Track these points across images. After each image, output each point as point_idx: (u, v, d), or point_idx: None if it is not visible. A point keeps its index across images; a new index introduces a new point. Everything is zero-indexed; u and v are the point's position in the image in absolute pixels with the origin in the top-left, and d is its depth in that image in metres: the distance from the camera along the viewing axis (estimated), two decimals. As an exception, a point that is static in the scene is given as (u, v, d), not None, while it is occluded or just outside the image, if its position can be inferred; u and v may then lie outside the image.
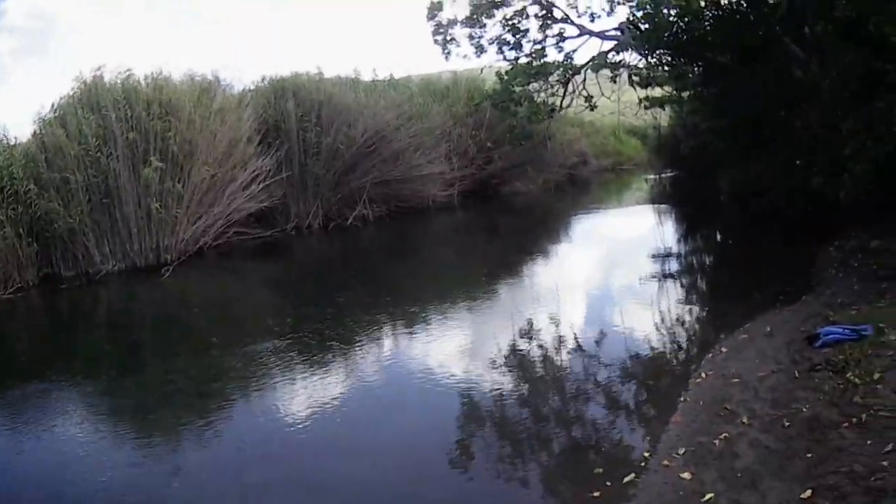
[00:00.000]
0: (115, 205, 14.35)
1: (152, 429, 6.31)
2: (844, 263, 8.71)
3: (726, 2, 12.29)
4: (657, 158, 26.41)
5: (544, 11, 14.59)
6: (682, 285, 10.56)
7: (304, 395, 6.72)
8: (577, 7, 14.78)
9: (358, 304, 10.43)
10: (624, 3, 13.84)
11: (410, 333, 8.68)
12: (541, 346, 7.86)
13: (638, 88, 17.70)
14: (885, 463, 3.78)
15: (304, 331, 8.93)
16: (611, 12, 17.40)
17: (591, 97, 15.45)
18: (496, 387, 6.51)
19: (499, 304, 10.06)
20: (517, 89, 14.21)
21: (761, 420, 4.92)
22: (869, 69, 8.21)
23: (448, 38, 15.30)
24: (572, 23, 14.61)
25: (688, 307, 9.20)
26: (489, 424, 5.84)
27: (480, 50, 15.29)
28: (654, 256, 12.21)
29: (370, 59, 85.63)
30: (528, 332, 8.34)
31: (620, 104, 21.38)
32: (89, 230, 14.20)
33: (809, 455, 4.21)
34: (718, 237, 14.78)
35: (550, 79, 14.69)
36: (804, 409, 4.83)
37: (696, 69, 15.14)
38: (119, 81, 15.27)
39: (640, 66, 15.62)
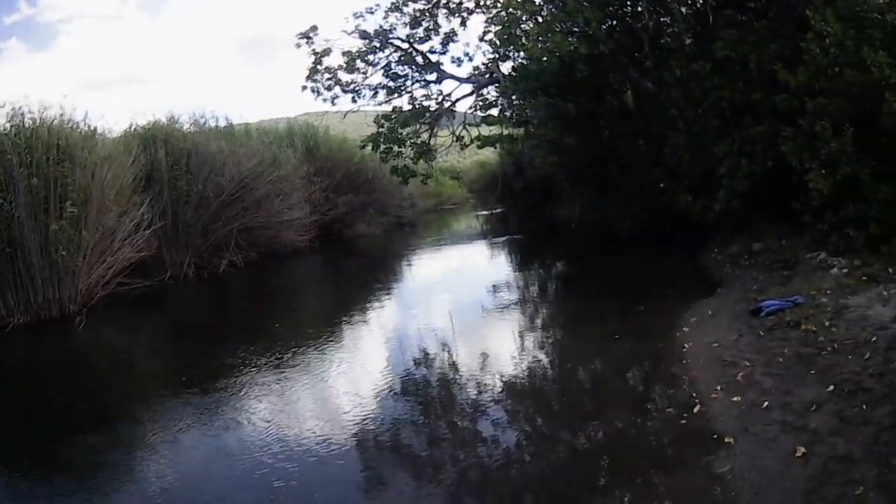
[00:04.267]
0: (17, 255, 14.30)
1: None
2: (735, 264, 12.00)
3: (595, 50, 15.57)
4: (487, 196, 30.25)
5: (420, 58, 17.07)
6: (605, 292, 12.47)
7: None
8: (446, 53, 17.39)
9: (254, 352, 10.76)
10: (493, 50, 16.59)
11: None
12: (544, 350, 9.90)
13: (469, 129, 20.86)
14: (870, 363, 6.46)
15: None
16: (471, 59, 20.85)
17: (462, 137, 18.17)
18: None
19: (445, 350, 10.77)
20: (402, 131, 16.45)
21: (758, 362, 7.45)
22: (743, 100, 11.58)
23: (327, 84, 17.05)
24: (441, 69, 17.22)
25: (629, 305, 10.81)
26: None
27: (357, 95, 17.33)
28: (551, 277, 14.87)
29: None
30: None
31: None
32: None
33: (812, 371, 6.78)
34: (597, 258, 16.68)
35: (421, 121, 17.11)
36: (785, 351, 7.46)
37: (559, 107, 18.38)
38: (14, 124, 15.21)
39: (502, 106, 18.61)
